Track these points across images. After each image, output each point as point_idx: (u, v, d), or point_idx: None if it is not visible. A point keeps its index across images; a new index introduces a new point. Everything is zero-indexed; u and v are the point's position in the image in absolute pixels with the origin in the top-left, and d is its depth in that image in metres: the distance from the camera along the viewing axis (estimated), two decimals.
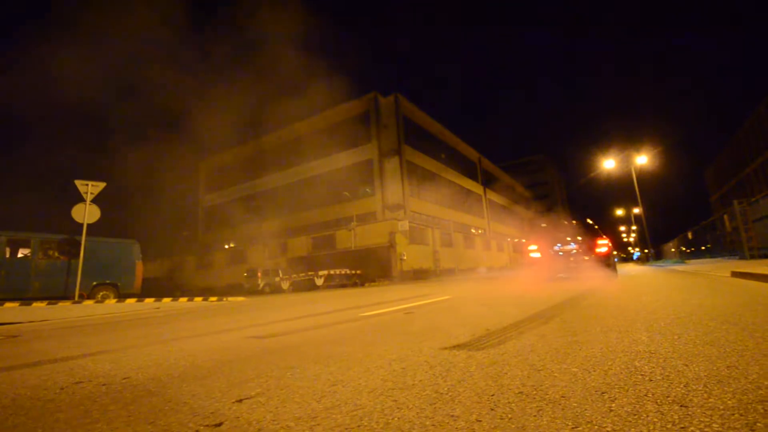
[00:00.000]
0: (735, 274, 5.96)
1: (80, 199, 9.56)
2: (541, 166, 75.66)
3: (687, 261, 18.46)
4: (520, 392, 1.25)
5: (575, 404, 1.12)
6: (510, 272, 24.45)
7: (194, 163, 39.30)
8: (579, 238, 8.66)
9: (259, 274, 20.20)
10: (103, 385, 1.71)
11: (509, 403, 1.16)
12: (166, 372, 1.89)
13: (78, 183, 9.66)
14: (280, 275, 20.08)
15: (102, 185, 9.94)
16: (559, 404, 1.12)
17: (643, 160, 20.75)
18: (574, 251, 8.50)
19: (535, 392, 1.25)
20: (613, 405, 1.09)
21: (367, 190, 27.87)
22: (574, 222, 9.29)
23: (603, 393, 1.20)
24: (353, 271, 20.42)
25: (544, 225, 10.38)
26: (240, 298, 11.62)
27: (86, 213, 9.53)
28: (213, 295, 16.33)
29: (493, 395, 1.24)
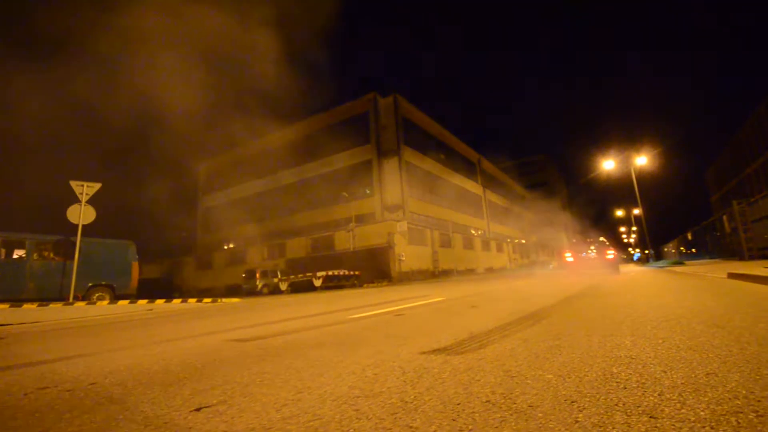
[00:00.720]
0: (731, 276, 5.89)
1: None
2: (541, 166, 75.30)
3: (686, 262, 18.35)
4: (488, 401, 1.20)
5: (541, 415, 1.06)
6: (513, 272, 24.36)
7: (193, 164, 39.31)
8: (593, 249, 13.44)
9: (258, 276, 20.14)
10: (68, 390, 1.67)
11: (473, 413, 1.11)
12: (135, 377, 1.85)
13: (73, 184, 9.63)
14: (279, 276, 20.04)
15: (97, 186, 9.91)
16: (525, 414, 1.07)
17: (643, 160, 20.65)
18: (593, 257, 13.21)
19: (503, 401, 1.19)
20: (580, 416, 1.04)
21: (366, 190, 27.80)
22: (590, 239, 14.37)
23: (573, 402, 1.15)
24: (352, 272, 20.38)
25: (574, 240, 16.40)
26: (234, 300, 11.58)
27: (81, 214, 9.51)
28: (211, 296, 16.32)
29: (458, 404, 1.19)
